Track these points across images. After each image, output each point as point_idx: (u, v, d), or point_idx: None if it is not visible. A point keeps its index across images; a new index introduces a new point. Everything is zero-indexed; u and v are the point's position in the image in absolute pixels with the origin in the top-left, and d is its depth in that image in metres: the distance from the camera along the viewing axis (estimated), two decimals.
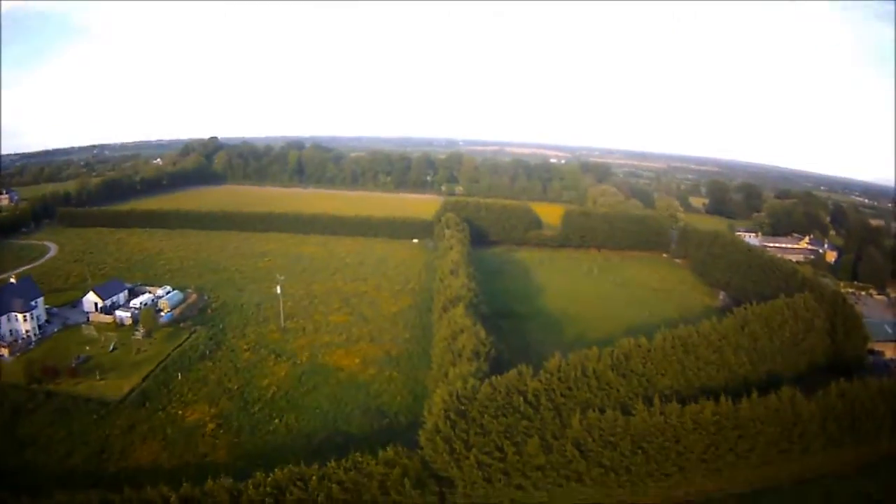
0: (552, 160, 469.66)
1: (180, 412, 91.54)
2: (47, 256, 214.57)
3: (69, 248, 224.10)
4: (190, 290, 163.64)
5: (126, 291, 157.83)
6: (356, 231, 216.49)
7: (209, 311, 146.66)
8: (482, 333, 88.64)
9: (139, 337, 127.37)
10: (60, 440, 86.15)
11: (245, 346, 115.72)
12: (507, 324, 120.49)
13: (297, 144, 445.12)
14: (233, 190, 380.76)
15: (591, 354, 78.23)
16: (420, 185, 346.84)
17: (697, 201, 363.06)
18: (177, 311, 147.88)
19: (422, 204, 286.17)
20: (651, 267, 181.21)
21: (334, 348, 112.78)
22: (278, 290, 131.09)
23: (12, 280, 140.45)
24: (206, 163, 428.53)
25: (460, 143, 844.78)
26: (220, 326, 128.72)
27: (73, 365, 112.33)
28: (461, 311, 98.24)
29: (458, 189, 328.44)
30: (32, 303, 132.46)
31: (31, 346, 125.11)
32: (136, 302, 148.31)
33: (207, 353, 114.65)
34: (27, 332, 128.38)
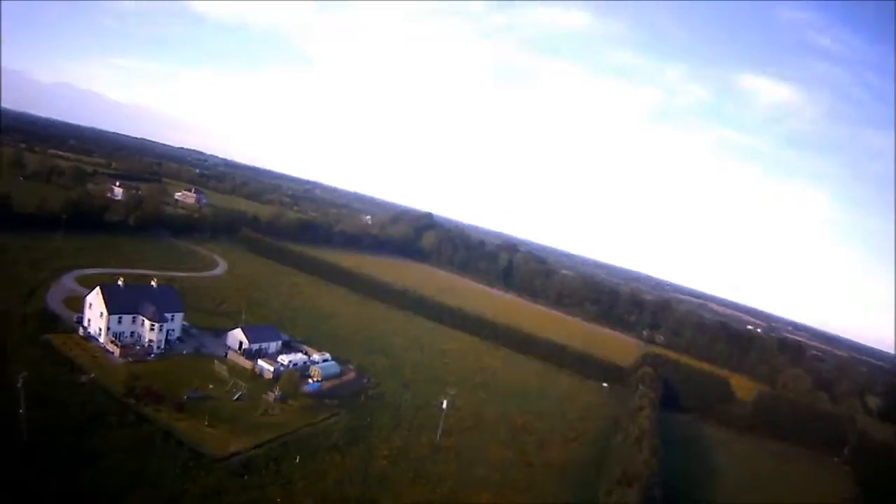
0: (749, 327, 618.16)
1: (279, 500, 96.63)
2: (212, 272, 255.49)
3: (238, 272, 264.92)
4: (350, 367, 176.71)
5: (279, 342, 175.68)
6: (547, 356, 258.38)
7: (363, 397, 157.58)
8: None
9: (271, 398, 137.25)
10: (128, 472, 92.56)
11: (385, 452, 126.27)
12: None
13: (510, 246, 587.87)
14: (433, 272, 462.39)
15: None
16: (621, 323, 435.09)
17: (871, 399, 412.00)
18: (327, 384, 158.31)
19: (619, 344, 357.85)
20: (824, 474, 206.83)
21: (483, 488, 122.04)
22: (445, 404, 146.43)
23: (153, 283, 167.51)
24: (414, 236, 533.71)
25: (667, 286, 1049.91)
26: (367, 420, 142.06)
27: (185, 398, 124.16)
28: (635, 497, 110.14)
29: (659, 337, 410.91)
30: (168, 315, 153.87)
31: (149, 358, 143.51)
32: (285, 358, 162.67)
33: (340, 444, 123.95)
34: (150, 341, 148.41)
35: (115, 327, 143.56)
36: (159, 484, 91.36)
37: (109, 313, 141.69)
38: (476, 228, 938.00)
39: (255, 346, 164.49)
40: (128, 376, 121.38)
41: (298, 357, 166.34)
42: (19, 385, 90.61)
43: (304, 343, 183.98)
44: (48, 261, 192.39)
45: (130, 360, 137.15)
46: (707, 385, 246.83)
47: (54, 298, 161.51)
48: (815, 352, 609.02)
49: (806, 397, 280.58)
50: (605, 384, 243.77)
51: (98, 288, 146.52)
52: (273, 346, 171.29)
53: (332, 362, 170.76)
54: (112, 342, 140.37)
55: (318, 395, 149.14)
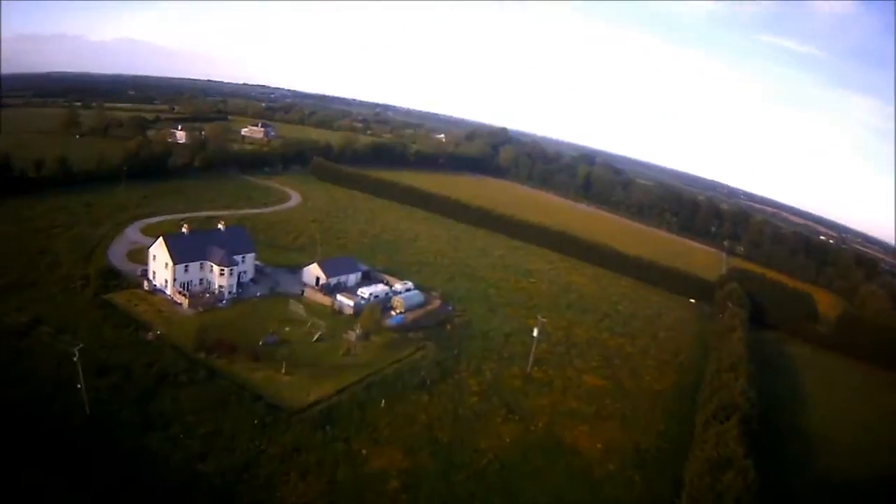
0: (821, 237, 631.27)
1: (365, 451, 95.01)
2: (285, 205, 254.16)
3: (312, 204, 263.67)
4: (434, 294, 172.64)
5: (359, 274, 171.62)
6: (634, 272, 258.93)
7: (448, 326, 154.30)
8: (751, 474, 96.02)
9: (353, 336, 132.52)
10: (201, 435, 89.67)
11: (476, 387, 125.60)
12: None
13: (587, 158, 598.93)
14: (512, 188, 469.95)
15: None
16: (702, 234, 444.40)
17: None
18: (411, 315, 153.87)
19: (702, 256, 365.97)
20: None
21: (579, 421, 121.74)
22: (536, 332, 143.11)
23: (220, 226, 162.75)
24: (490, 152, 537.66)
25: (741, 195, 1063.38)
26: (455, 351, 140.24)
27: (260, 343, 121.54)
28: (734, 432, 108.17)
29: (740, 249, 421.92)
30: (238, 257, 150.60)
31: (221, 305, 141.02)
32: (366, 290, 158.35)
33: (428, 382, 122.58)
34: (220, 287, 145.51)
35: (182, 276, 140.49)
36: (234, 445, 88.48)
37: (174, 263, 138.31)
38: (550, 140, 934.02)
39: (333, 281, 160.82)
40: (197, 329, 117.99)
41: (379, 289, 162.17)
42: (75, 359, 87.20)
43: (384, 272, 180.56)
44: (110, 215, 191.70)
45: (200, 309, 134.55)
46: (792, 301, 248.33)
47: (116, 254, 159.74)
48: (886, 266, 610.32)
49: (885, 316, 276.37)
50: (692, 300, 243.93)
51: (161, 238, 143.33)
52: (352, 278, 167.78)
53: (416, 291, 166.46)
54: (179, 293, 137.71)
55: (402, 328, 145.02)
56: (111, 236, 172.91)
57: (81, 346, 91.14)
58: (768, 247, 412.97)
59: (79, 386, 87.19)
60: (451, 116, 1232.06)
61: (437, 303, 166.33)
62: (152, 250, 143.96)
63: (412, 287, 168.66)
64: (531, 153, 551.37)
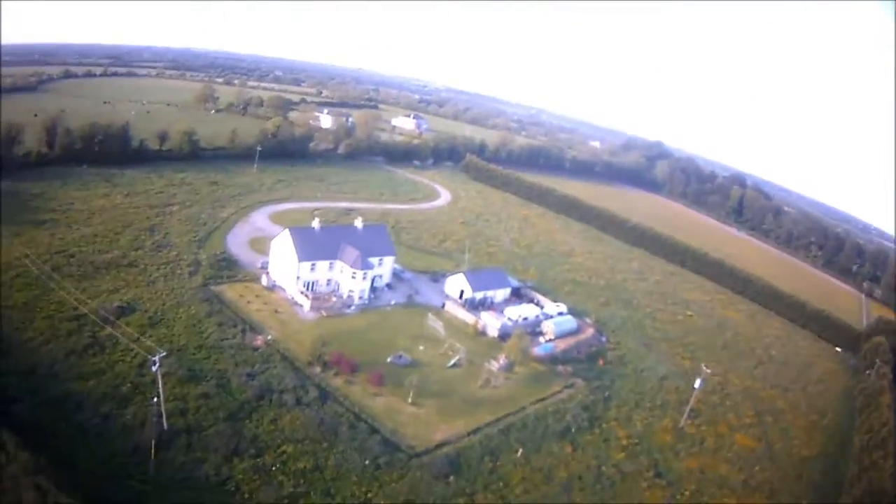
0: None
1: None
2: (433, 203, 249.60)
3: (463, 205, 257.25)
4: (588, 321, 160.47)
5: (508, 290, 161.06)
6: (785, 311, 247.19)
7: (601, 360, 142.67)
8: None
9: (495, 366, 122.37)
10: (297, 472, 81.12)
11: (624, 441, 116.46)
12: None
13: (739, 180, 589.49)
14: (666, 205, 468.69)
15: None
16: (843, 272, 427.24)
17: None
18: (561, 343, 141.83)
19: (842, 296, 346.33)
20: None
21: (727, 491, 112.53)
22: (698, 383, 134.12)
23: (357, 223, 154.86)
24: (645, 165, 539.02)
25: (873, 230, 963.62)
26: (606, 393, 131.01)
27: (388, 361, 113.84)
28: None
29: (878, 292, 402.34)
30: (374, 259, 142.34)
31: (348, 311, 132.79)
32: (514, 311, 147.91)
33: (574, 429, 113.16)
34: (350, 291, 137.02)
35: (307, 276, 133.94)
36: (336, 489, 79.65)
37: (300, 260, 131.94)
38: (699, 159, 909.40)
39: (479, 296, 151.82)
40: (316, 338, 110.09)
41: (530, 310, 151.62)
42: (154, 368, 79.38)
43: (534, 290, 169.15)
44: (237, 197, 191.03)
45: (323, 314, 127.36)
46: None
47: (237, 241, 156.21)
48: None
49: None
50: (838, 349, 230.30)
51: (287, 231, 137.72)
52: (500, 294, 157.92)
53: (569, 316, 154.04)
54: (302, 293, 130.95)
55: (551, 359, 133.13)
56: (234, 220, 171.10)
57: (165, 353, 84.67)
58: None
59: (155, 399, 78.93)
60: (601, 126, 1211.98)
61: (590, 331, 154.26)
62: (275, 242, 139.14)
63: (565, 311, 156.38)
64: (686, 169, 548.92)
